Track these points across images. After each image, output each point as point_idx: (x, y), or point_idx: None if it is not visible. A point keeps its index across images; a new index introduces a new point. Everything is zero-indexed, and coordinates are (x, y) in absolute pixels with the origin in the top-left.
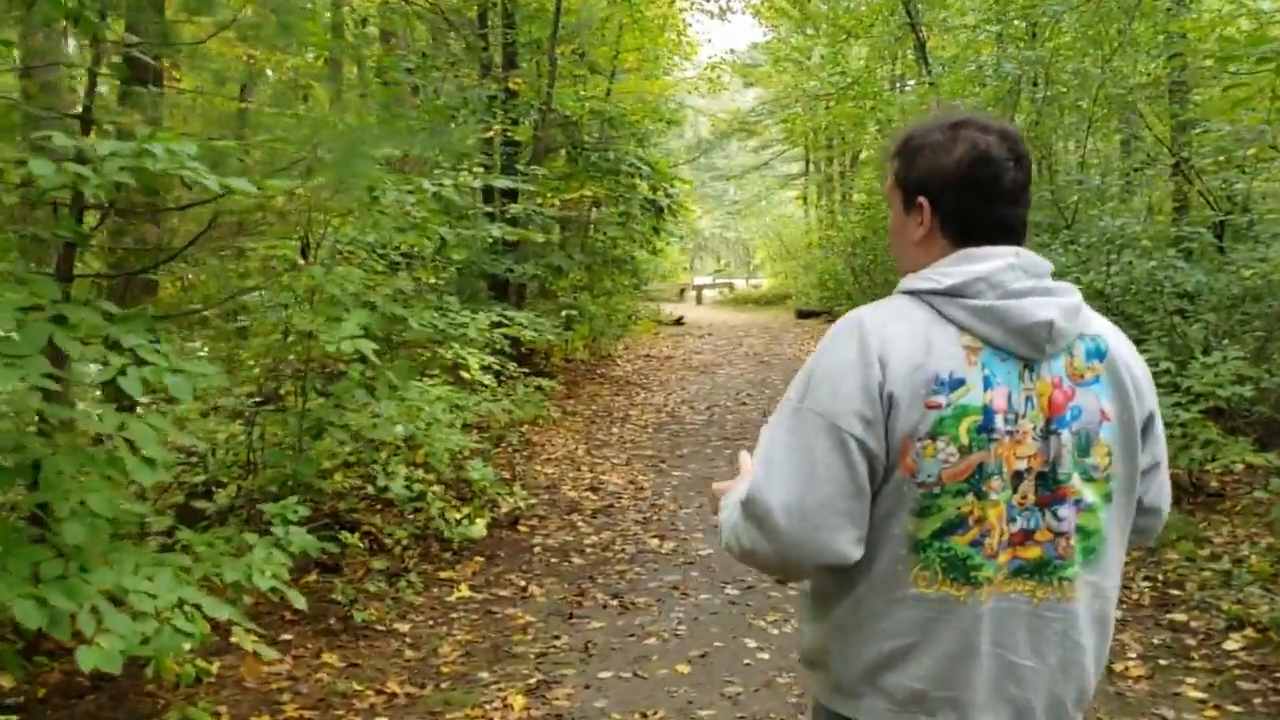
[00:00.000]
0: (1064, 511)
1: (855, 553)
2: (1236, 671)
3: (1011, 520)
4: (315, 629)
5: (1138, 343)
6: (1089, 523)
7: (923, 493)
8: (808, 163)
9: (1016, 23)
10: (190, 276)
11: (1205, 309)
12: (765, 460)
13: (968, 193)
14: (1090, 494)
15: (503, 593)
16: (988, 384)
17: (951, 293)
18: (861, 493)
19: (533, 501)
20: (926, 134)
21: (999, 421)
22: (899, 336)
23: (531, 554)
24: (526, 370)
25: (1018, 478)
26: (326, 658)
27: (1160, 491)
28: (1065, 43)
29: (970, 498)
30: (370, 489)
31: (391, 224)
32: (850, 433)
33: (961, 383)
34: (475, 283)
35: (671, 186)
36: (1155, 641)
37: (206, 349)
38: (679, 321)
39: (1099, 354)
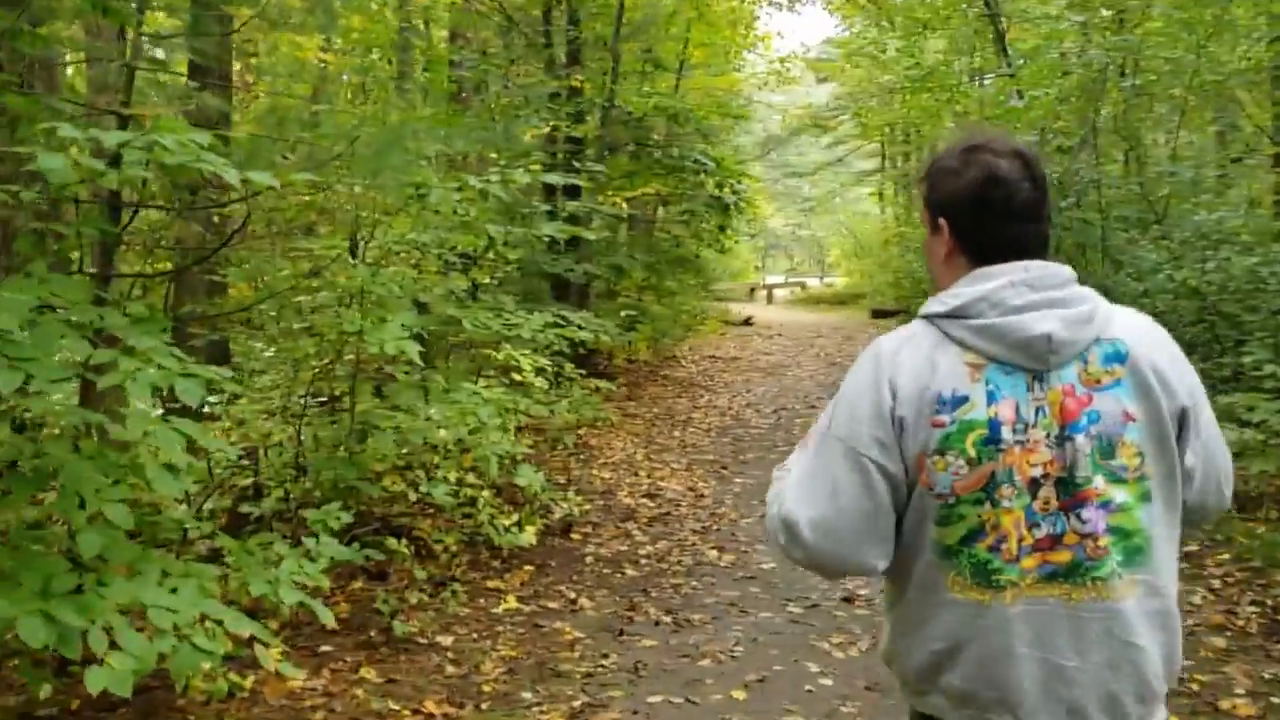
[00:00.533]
0: (1088, 514)
1: (879, 564)
2: None
3: (1035, 525)
4: (356, 640)
5: (1237, 343)
6: (1125, 523)
7: (940, 504)
8: (883, 158)
9: (1103, 12)
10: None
11: None
12: (797, 478)
13: (980, 213)
14: (1122, 494)
15: (551, 605)
16: (991, 398)
17: (955, 314)
18: (880, 510)
19: (587, 508)
20: (944, 158)
21: (1005, 433)
22: (907, 361)
23: (583, 564)
24: (585, 372)
25: (1034, 484)
26: (365, 672)
27: (1218, 491)
28: (1156, 28)
29: (987, 506)
30: (413, 494)
31: (440, 223)
32: (867, 455)
33: (965, 399)
34: (537, 283)
35: (738, 183)
36: (1265, 675)
37: (273, 349)
38: (747, 321)
39: (1119, 358)
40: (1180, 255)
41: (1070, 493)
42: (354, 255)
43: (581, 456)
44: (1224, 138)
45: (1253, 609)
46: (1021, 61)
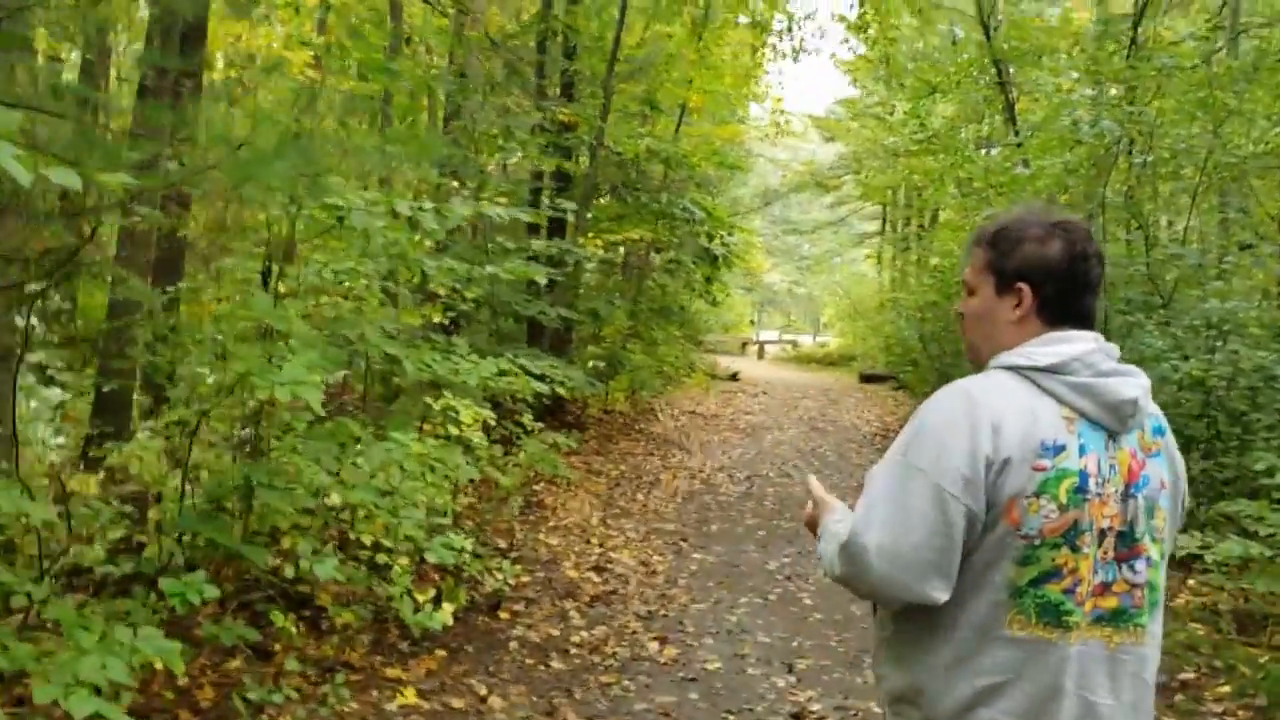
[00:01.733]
0: (1139, 566)
1: (940, 596)
2: None
3: (1094, 572)
4: None
5: (1243, 443)
6: (1154, 578)
7: (1024, 544)
8: (884, 221)
9: (1113, 91)
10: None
11: None
12: (868, 505)
13: (1067, 283)
14: (1154, 553)
15: (456, 703)
16: (1083, 450)
17: (1051, 370)
18: (951, 545)
19: (525, 579)
20: (1025, 228)
21: (1092, 484)
22: (1009, 406)
23: (505, 650)
24: (543, 425)
25: (1101, 535)
26: None
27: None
28: (1170, 106)
29: (1065, 550)
30: (291, 570)
31: (372, 251)
32: (951, 491)
33: (1063, 448)
34: (510, 325)
35: (729, 234)
36: None
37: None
38: (734, 377)
39: (1160, 432)
40: (1185, 344)
41: (1128, 545)
42: (265, 283)
43: (531, 518)
44: (1227, 225)
45: None
46: (1030, 133)
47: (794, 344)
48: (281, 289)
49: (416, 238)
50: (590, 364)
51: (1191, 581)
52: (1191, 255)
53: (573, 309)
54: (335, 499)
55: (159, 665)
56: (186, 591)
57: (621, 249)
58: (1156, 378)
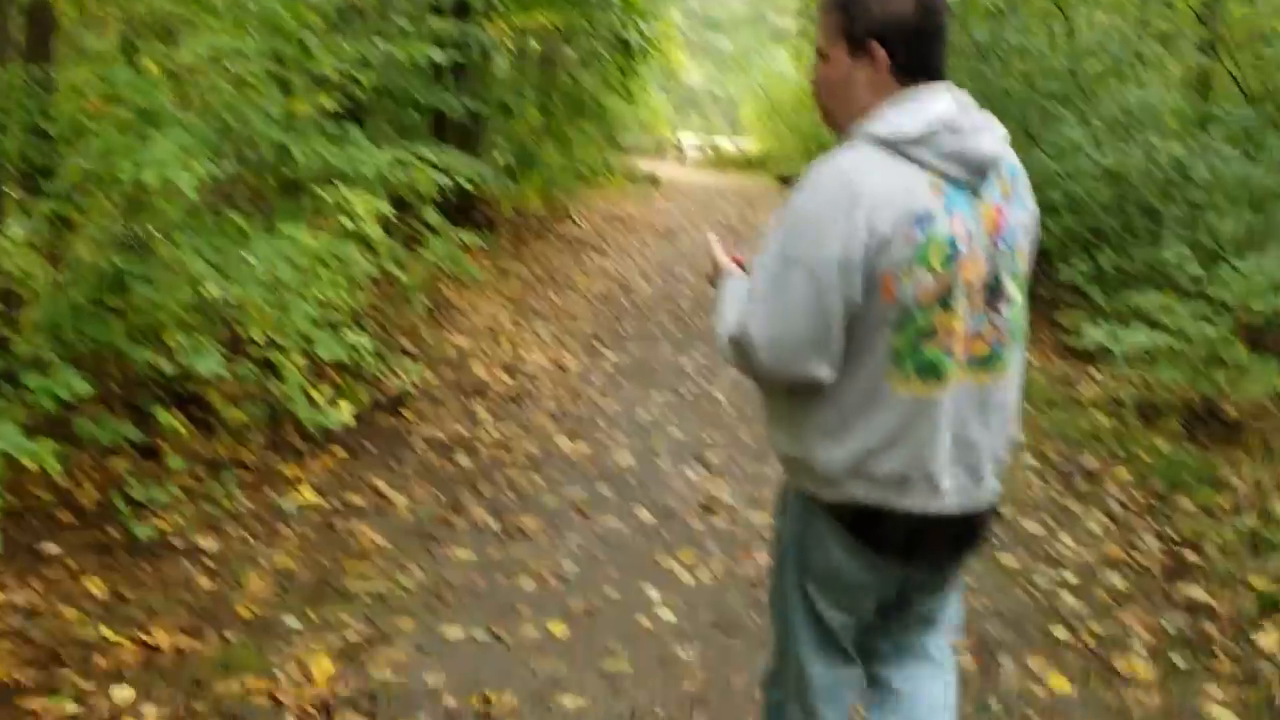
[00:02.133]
0: (1003, 309)
1: (825, 376)
2: (1275, 680)
3: (965, 324)
4: (92, 539)
5: (1153, 236)
6: (1017, 316)
7: (901, 312)
8: (804, 17)
9: None
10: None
11: (1240, 204)
12: (751, 297)
13: (918, 37)
14: (1016, 291)
15: (356, 500)
16: (950, 213)
17: (918, 139)
18: (831, 330)
19: (431, 380)
20: None
21: (962, 245)
22: (881, 184)
23: (409, 449)
24: (452, 224)
25: (970, 289)
26: (88, 583)
27: None
28: None
29: (939, 310)
30: (168, 366)
31: (233, 19)
32: (828, 280)
33: (932, 217)
34: (411, 116)
35: (643, 22)
36: (1169, 630)
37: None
38: (652, 180)
39: (1014, 172)
40: (1102, 137)
41: (994, 294)
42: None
43: (438, 319)
44: (1146, 22)
45: (1155, 541)
46: None
47: (715, 147)
48: (155, 69)
49: (297, 5)
50: (500, 159)
51: (1098, 375)
52: (1112, 46)
53: (481, 101)
54: (214, 291)
55: (32, 465)
56: (54, 387)
57: (534, 43)
58: (1073, 171)
